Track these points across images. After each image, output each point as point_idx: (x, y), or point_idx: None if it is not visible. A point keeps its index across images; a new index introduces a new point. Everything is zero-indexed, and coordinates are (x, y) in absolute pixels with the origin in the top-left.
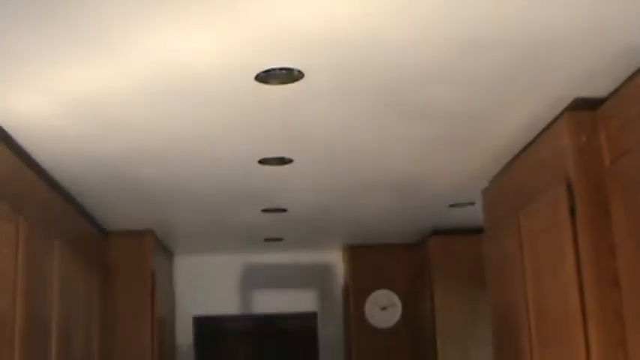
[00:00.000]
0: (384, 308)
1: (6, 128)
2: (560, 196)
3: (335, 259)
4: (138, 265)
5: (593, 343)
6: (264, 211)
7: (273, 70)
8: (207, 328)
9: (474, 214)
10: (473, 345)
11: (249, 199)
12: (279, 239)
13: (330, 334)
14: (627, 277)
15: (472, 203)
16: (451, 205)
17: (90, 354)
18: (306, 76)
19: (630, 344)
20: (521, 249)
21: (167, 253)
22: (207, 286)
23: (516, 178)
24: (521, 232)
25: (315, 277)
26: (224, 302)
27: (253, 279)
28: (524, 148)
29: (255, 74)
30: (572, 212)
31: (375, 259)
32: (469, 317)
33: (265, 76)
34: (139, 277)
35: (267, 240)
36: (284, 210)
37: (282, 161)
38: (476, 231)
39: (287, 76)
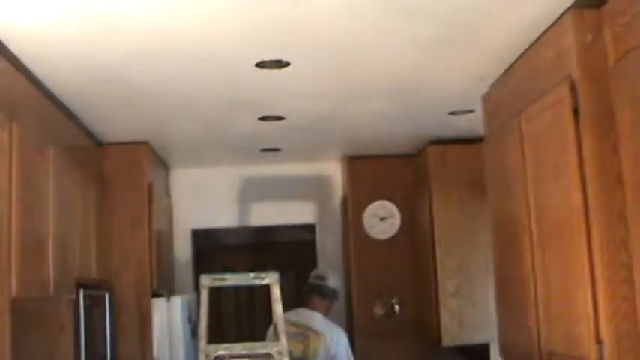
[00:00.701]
0: (382, 219)
1: None
2: (564, 97)
3: (333, 170)
4: (134, 177)
5: (595, 244)
6: (261, 119)
7: None
8: (205, 241)
9: (474, 124)
10: (471, 254)
11: (245, 106)
12: (276, 150)
13: (328, 245)
14: (631, 176)
15: (472, 111)
16: (450, 113)
17: (87, 266)
18: None
19: (633, 244)
20: (522, 152)
21: (164, 166)
22: (205, 200)
23: (518, 81)
24: (523, 135)
25: (313, 189)
26: (222, 215)
27: (251, 191)
28: (526, 50)
29: None
30: (576, 112)
31: (373, 170)
32: (468, 226)
33: None
34: (136, 189)
35: (264, 151)
36: (281, 118)
37: (279, 64)
38: (475, 141)
39: None
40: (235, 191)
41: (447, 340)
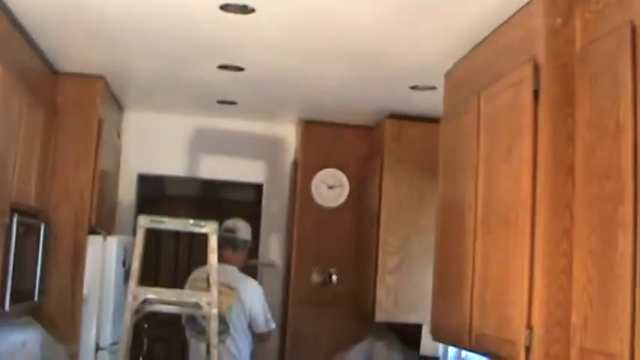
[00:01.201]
0: (331, 187)
1: None
2: (526, 78)
3: (287, 132)
4: (86, 110)
5: (539, 231)
6: (221, 67)
7: None
8: (151, 188)
9: (434, 102)
10: (416, 234)
11: (206, 50)
12: (232, 103)
13: (273, 208)
14: (582, 167)
15: (433, 88)
16: (412, 87)
17: (25, 193)
18: None
19: (576, 235)
20: (477, 131)
21: (118, 106)
22: (156, 145)
23: (482, 60)
24: (480, 112)
25: (265, 148)
26: (171, 163)
27: (203, 143)
28: (494, 30)
29: None
30: (536, 95)
31: (328, 137)
32: (415, 206)
33: None
34: (86, 123)
35: (220, 102)
36: (241, 69)
37: (244, 9)
38: (434, 120)
39: None
40: (187, 141)
41: (380, 316)
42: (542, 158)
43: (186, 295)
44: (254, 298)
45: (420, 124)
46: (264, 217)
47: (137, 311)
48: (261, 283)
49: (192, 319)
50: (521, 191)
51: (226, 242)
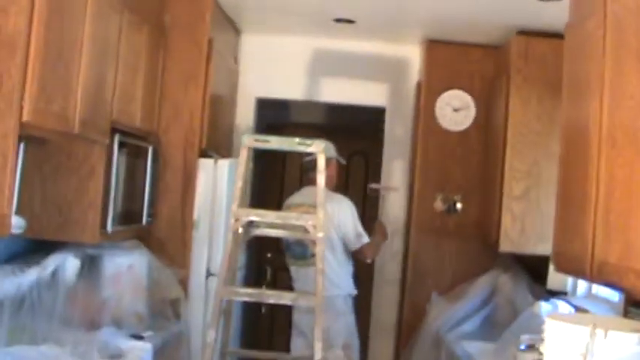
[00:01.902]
0: (456, 110)
1: None
2: None
3: (410, 53)
4: (195, 30)
5: None
6: None
7: None
8: (273, 113)
9: (565, 14)
10: (545, 158)
11: None
12: (351, 21)
13: (397, 131)
14: None
15: None
16: None
17: (129, 114)
18: None
19: None
20: (604, 34)
21: (234, 29)
22: (274, 69)
23: None
24: (607, 13)
25: (387, 70)
26: (289, 87)
27: (322, 65)
28: None
29: None
30: None
31: (453, 57)
32: (544, 128)
33: None
34: (195, 43)
35: (337, 21)
36: None
37: None
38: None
39: None
40: (305, 63)
41: (505, 246)
42: None
43: (292, 217)
44: (341, 212)
45: (549, 41)
46: (387, 141)
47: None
48: (383, 209)
49: (290, 244)
50: None
51: (310, 165)
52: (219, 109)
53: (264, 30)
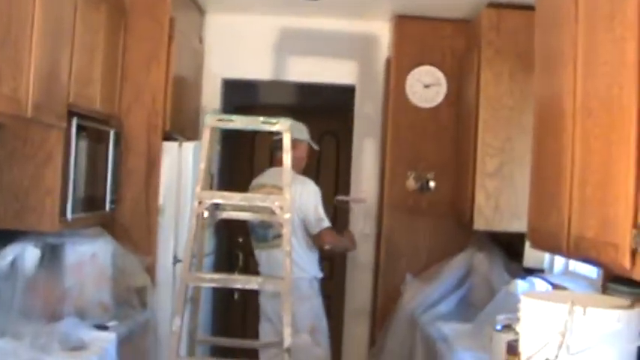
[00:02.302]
0: (427, 86)
1: None
2: None
3: (380, 29)
4: (156, 9)
5: None
6: None
7: None
8: (242, 95)
9: None
10: (519, 134)
11: None
12: None
13: (367, 110)
14: None
15: None
16: None
17: (87, 96)
18: None
19: None
20: (575, 1)
21: (197, 8)
22: (240, 49)
23: None
24: None
25: (356, 47)
26: (256, 67)
27: (289, 44)
28: None
29: None
30: None
31: (422, 32)
32: (517, 104)
33: None
34: (157, 22)
35: None
36: None
37: None
38: None
39: None
40: (272, 42)
41: (480, 223)
42: None
43: (258, 199)
44: (303, 195)
45: (521, 12)
46: (357, 120)
47: (207, 218)
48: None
49: (254, 226)
50: (625, 62)
51: (278, 145)
52: (184, 90)
53: (228, 9)
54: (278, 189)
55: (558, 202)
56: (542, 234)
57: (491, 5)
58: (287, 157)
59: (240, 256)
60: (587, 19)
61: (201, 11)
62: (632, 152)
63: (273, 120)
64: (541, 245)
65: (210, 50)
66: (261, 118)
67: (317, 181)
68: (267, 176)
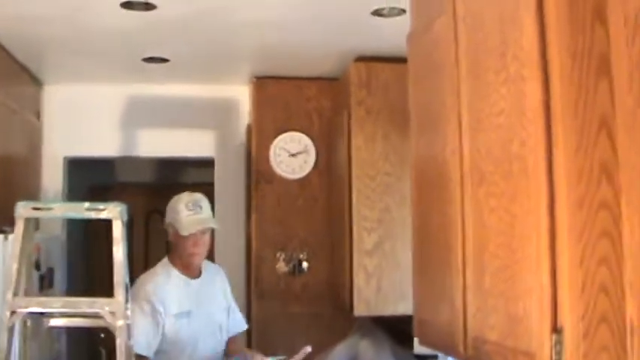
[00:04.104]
0: (293, 154)
1: None
2: None
3: (239, 93)
4: None
5: (559, 168)
6: (124, 5)
7: None
8: (91, 172)
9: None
10: (397, 203)
11: None
12: (164, 60)
13: (228, 184)
14: (625, 57)
15: (403, 11)
16: (375, 13)
17: None
18: None
19: (624, 172)
20: (455, 36)
21: (32, 79)
22: (84, 123)
23: None
24: (457, 10)
25: (213, 115)
26: (103, 142)
27: (138, 115)
28: None
29: None
30: None
31: (286, 94)
32: (394, 168)
33: None
34: None
35: (148, 60)
36: (151, 6)
37: None
38: None
39: None
40: (121, 114)
41: (361, 308)
42: (555, 52)
43: (84, 304)
44: (227, 287)
45: (393, 66)
46: (218, 196)
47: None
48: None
49: None
50: (525, 108)
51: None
52: (15, 172)
53: (69, 79)
54: None
55: (450, 292)
56: (433, 329)
57: (359, 59)
58: (118, 250)
59: (104, 354)
60: (471, 59)
61: (37, 83)
62: (544, 229)
63: (101, 206)
64: (431, 343)
65: (51, 126)
66: (86, 204)
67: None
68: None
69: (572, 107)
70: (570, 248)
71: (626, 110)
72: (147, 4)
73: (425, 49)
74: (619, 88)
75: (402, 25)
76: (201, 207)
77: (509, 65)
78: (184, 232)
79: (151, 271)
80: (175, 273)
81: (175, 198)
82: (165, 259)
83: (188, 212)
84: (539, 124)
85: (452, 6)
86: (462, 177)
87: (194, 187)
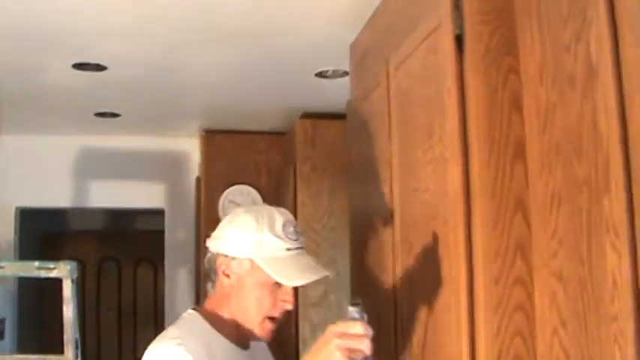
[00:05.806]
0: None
1: None
2: (442, 21)
3: (188, 146)
4: None
5: (477, 246)
6: (76, 67)
7: None
8: (42, 221)
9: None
10: (343, 256)
11: (52, 44)
12: (115, 115)
13: (179, 235)
14: (537, 145)
15: (346, 73)
16: (319, 75)
17: None
18: None
19: (536, 251)
20: (388, 111)
21: None
22: (36, 174)
23: (389, 15)
24: (390, 85)
25: (164, 167)
26: (55, 193)
27: (90, 166)
28: None
29: None
30: (459, 42)
31: (235, 147)
32: (339, 223)
33: None
34: None
35: (99, 115)
36: (102, 67)
37: None
38: None
39: None
40: (72, 165)
41: None
42: (475, 137)
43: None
44: None
45: (337, 123)
46: (169, 247)
47: None
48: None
49: None
50: (447, 190)
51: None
52: None
53: (22, 129)
54: None
55: (385, 352)
56: None
57: (305, 116)
58: (68, 309)
59: None
60: (402, 134)
61: None
62: (463, 302)
63: (51, 264)
64: None
65: (3, 176)
66: (37, 263)
67: (134, 321)
68: None
69: (490, 189)
70: (487, 321)
71: (537, 194)
72: (98, 65)
73: (362, 118)
74: (532, 173)
75: (345, 85)
76: (301, 234)
77: (434, 146)
78: (289, 281)
79: (181, 331)
80: (220, 340)
81: (251, 214)
82: (198, 316)
83: (291, 243)
84: (459, 204)
85: (386, 81)
86: (393, 245)
87: (145, 235)
